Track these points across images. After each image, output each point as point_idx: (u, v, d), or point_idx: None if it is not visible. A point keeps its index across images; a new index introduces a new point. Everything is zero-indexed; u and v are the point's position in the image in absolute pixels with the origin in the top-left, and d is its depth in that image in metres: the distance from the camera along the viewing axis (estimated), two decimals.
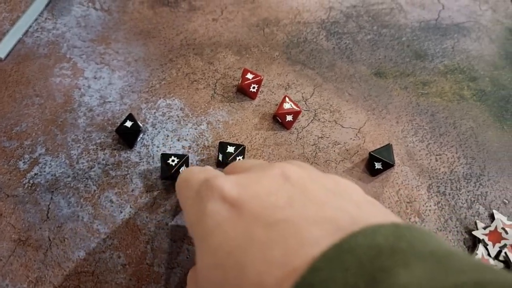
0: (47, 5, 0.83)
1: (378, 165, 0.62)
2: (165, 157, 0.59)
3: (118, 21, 0.81)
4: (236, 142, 0.65)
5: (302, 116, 0.69)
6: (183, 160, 0.59)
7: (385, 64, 0.77)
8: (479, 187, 0.63)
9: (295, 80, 0.73)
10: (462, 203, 0.61)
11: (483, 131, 0.69)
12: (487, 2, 0.87)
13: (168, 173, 0.59)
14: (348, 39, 0.80)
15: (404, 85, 0.73)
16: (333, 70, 0.75)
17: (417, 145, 0.67)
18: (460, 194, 0.62)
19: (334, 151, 0.65)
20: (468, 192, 0.62)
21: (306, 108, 0.70)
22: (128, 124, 0.63)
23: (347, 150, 0.66)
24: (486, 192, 0.62)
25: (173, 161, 0.59)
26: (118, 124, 0.66)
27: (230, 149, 0.61)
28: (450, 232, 0.59)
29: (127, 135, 0.63)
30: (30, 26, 0.80)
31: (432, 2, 0.88)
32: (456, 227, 0.59)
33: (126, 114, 0.68)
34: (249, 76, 0.68)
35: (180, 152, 0.64)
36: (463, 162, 0.65)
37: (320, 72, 0.74)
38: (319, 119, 0.69)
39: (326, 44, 0.79)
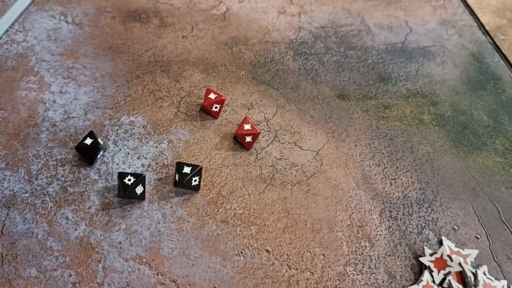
0: (18, 17, 0.84)
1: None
2: (122, 176, 0.60)
3: (88, 36, 0.82)
4: (195, 162, 0.66)
5: (262, 137, 0.70)
6: (140, 179, 0.60)
7: (349, 86, 0.78)
8: (430, 212, 0.64)
9: (258, 100, 0.74)
10: (412, 228, 0.63)
11: (439, 156, 0.70)
12: (454, 26, 0.89)
13: (124, 192, 0.60)
14: (315, 60, 0.81)
15: (365, 108, 0.75)
16: (297, 91, 0.76)
17: (373, 169, 0.68)
18: (412, 220, 0.63)
19: (291, 173, 0.67)
20: (420, 217, 0.64)
21: (267, 128, 0.71)
22: (88, 141, 0.64)
23: (304, 173, 0.67)
24: (437, 218, 0.64)
25: (129, 180, 0.60)
26: (81, 139, 0.67)
27: (187, 169, 0.62)
28: (398, 257, 0.60)
29: (87, 152, 0.64)
30: (0, 38, 0.81)
31: (400, 25, 0.89)
32: (405, 253, 0.61)
33: (89, 130, 0.68)
34: (212, 96, 0.69)
35: (139, 171, 0.65)
36: (417, 187, 0.67)
37: (284, 93, 0.76)
38: (279, 140, 0.70)
39: (292, 64, 0.80)
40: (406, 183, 0.67)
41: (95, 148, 0.64)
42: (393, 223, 0.63)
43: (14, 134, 0.68)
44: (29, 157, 0.66)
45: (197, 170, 0.62)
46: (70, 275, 0.56)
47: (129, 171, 0.65)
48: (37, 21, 0.84)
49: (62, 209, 0.61)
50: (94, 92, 0.74)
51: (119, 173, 0.61)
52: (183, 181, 0.61)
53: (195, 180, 0.62)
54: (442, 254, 0.59)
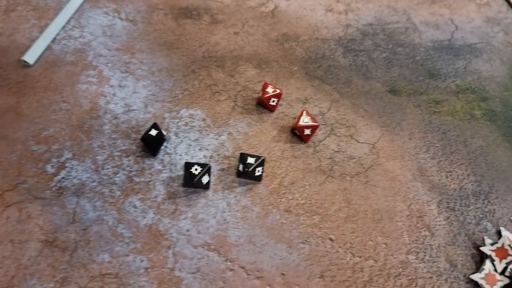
0: (74, 14, 0.87)
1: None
2: (188, 165, 0.62)
3: (142, 32, 0.84)
4: (256, 154, 0.67)
5: (319, 130, 0.71)
6: (206, 169, 0.62)
7: (399, 82, 0.79)
8: (487, 204, 0.65)
9: (313, 95, 0.76)
10: (470, 219, 0.64)
11: (493, 150, 0.71)
12: (499, 24, 0.90)
13: (191, 181, 0.62)
14: (364, 56, 0.83)
15: (417, 103, 0.76)
16: (350, 86, 0.78)
17: (428, 162, 0.69)
18: (469, 211, 0.64)
19: (350, 165, 0.68)
20: (477, 209, 0.65)
21: (323, 122, 0.72)
22: (153, 132, 0.66)
23: (362, 165, 0.68)
24: (494, 209, 0.65)
25: (196, 169, 0.62)
26: (142, 132, 0.69)
27: (251, 160, 0.63)
28: (458, 247, 0.61)
29: (152, 143, 0.66)
30: (58, 34, 0.83)
31: (446, 23, 0.90)
32: (465, 242, 0.62)
33: (150, 123, 0.70)
34: (269, 90, 0.71)
35: (202, 161, 0.67)
36: (473, 179, 0.68)
37: (337, 88, 0.77)
38: (335, 133, 0.71)
39: (343, 60, 0.82)
40: (461, 175, 0.68)
41: (160, 139, 0.66)
42: (451, 214, 0.64)
43: (78, 126, 0.70)
44: (94, 148, 0.68)
45: (260, 161, 0.64)
46: (142, 261, 0.58)
47: (193, 162, 0.67)
48: (91, 18, 0.86)
49: (130, 197, 0.63)
50: (152, 86, 0.76)
51: (186, 163, 0.63)
52: (248, 171, 0.63)
53: (258, 171, 0.64)
54: (503, 244, 0.60)
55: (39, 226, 0.60)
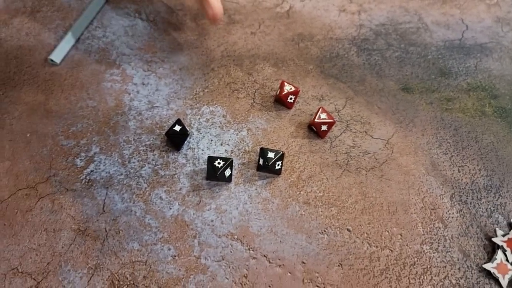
0: (97, 15, 0.90)
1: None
2: (211, 159, 0.65)
3: (163, 31, 0.87)
4: (275, 149, 0.70)
5: (335, 126, 0.74)
6: (228, 163, 0.65)
7: (412, 80, 0.82)
8: (498, 197, 0.68)
9: (328, 93, 0.79)
10: (482, 212, 0.66)
11: (503, 146, 0.74)
12: (508, 24, 0.93)
13: (214, 174, 0.65)
14: (378, 56, 0.86)
15: (429, 101, 0.79)
16: (364, 84, 0.80)
17: (441, 157, 0.72)
18: (481, 204, 0.67)
19: (365, 159, 0.71)
20: (488, 202, 0.67)
21: (338, 119, 0.75)
22: (177, 128, 0.69)
23: (377, 159, 0.71)
24: (505, 202, 0.67)
25: (219, 163, 0.65)
26: (166, 128, 0.72)
27: (271, 154, 0.66)
28: (471, 238, 0.64)
29: (176, 138, 0.69)
30: (82, 34, 0.86)
31: (457, 22, 0.93)
32: (477, 234, 0.64)
33: (173, 119, 0.74)
34: (287, 87, 0.74)
35: (223, 156, 0.70)
36: (484, 174, 0.70)
37: (351, 86, 0.80)
38: (350, 129, 0.74)
39: (356, 59, 0.85)
40: (473, 170, 0.71)
41: (184, 134, 0.69)
42: (463, 207, 0.67)
43: (105, 122, 0.73)
44: (120, 143, 0.71)
45: (279, 155, 0.67)
46: (169, 249, 0.61)
47: (216, 156, 0.70)
48: (113, 18, 0.89)
49: (156, 190, 0.66)
50: (174, 84, 0.79)
51: (209, 157, 0.66)
52: (268, 164, 0.66)
53: (278, 165, 0.67)
54: None
55: (71, 216, 0.63)
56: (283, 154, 0.67)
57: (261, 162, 0.67)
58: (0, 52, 0.82)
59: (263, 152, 0.67)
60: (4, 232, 0.62)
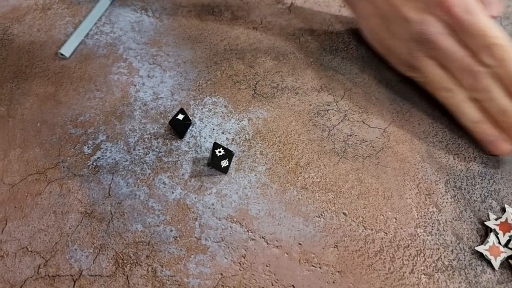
0: (105, 11, 0.93)
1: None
2: (216, 145, 0.67)
3: (168, 27, 0.90)
4: (273, 137, 0.73)
5: (333, 116, 0.76)
6: (228, 154, 0.67)
7: None
8: (492, 184, 0.70)
9: (327, 84, 0.81)
10: (476, 197, 0.68)
11: None
12: (508, 18, 0.94)
13: (211, 161, 0.67)
14: None
15: (426, 92, 0.81)
16: (362, 76, 0.83)
17: (437, 145, 0.74)
18: (475, 190, 0.69)
19: (362, 147, 0.73)
20: (482, 188, 0.69)
21: (337, 109, 0.78)
22: (180, 117, 0.72)
23: (373, 147, 0.73)
24: (499, 188, 0.69)
25: (219, 152, 0.67)
26: (170, 117, 0.75)
27: (219, 151, 0.67)
28: (464, 222, 0.66)
29: (179, 127, 0.72)
30: (91, 30, 0.90)
31: None
32: (470, 218, 0.66)
33: (177, 109, 0.76)
34: None
35: (224, 144, 0.72)
36: (479, 161, 0.72)
37: (350, 78, 0.82)
38: (348, 119, 0.76)
39: (356, 52, 0.87)
40: (468, 158, 0.73)
41: (186, 123, 0.72)
42: (457, 192, 0.69)
43: (111, 112, 0.76)
44: (126, 131, 0.74)
45: (227, 154, 0.67)
46: (171, 230, 0.64)
47: (222, 144, 0.71)
48: (121, 15, 0.93)
49: (159, 175, 0.69)
50: (178, 76, 0.82)
51: (215, 143, 0.68)
52: (212, 160, 0.67)
53: (225, 162, 0.67)
54: (506, 219, 0.65)
55: (78, 200, 0.66)
56: (232, 154, 0.68)
57: (210, 156, 0.69)
58: (13, 47, 0.86)
59: (214, 147, 0.68)
60: (15, 214, 0.65)
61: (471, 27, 0.65)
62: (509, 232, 0.64)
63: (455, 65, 0.69)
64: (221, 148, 0.68)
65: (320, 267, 0.61)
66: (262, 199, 0.67)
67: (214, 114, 0.76)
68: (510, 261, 0.62)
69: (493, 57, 0.65)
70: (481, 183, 0.70)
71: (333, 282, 0.60)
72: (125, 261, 0.61)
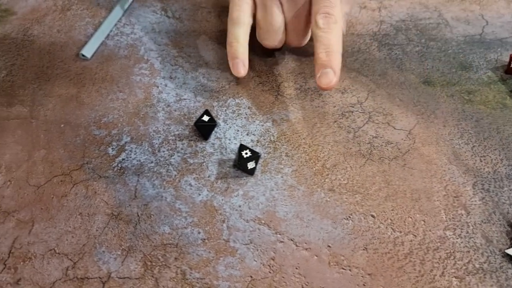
0: (125, 12, 0.93)
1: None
2: (242, 147, 0.67)
3: (188, 28, 0.90)
4: (298, 139, 0.72)
5: (358, 117, 0.76)
6: (254, 156, 0.67)
7: (432, 73, 0.84)
8: None
9: (350, 86, 0.81)
10: (505, 199, 0.67)
11: None
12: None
13: (238, 162, 0.67)
14: (398, 50, 0.87)
15: (450, 93, 0.80)
16: (385, 78, 0.82)
17: (463, 147, 0.73)
18: (503, 192, 0.68)
19: (388, 149, 0.73)
20: (510, 190, 0.69)
21: (361, 110, 0.77)
22: (205, 118, 0.71)
23: (399, 149, 0.73)
24: None
25: (246, 153, 0.67)
26: (193, 119, 0.75)
27: (245, 153, 0.66)
28: (493, 224, 0.65)
29: (204, 128, 0.71)
30: (111, 31, 0.90)
31: (477, 18, 0.94)
32: (499, 221, 0.65)
33: (200, 110, 0.76)
34: None
35: (249, 145, 0.72)
36: (506, 163, 0.71)
37: (373, 79, 0.82)
38: (373, 120, 0.76)
39: (378, 54, 0.86)
40: (495, 160, 0.72)
41: (212, 124, 0.72)
42: (486, 195, 0.68)
43: (134, 113, 0.76)
44: (150, 133, 0.74)
45: (254, 156, 0.67)
46: (199, 232, 0.63)
47: (247, 145, 0.71)
48: (141, 16, 0.92)
49: (185, 177, 0.69)
50: (200, 78, 0.81)
51: (241, 144, 0.68)
52: (239, 162, 0.67)
53: (251, 164, 0.67)
54: None
55: (104, 201, 0.66)
56: (258, 156, 0.68)
57: (236, 158, 0.68)
58: (34, 48, 0.86)
59: (240, 148, 0.68)
60: (41, 215, 0.64)
61: None
62: None
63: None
64: (248, 150, 0.67)
65: (350, 270, 0.60)
66: (289, 201, 0.66)
67: (238, 115, 0.76)
68: None
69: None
70: (509, 186, 0.69)
71: (364, 285, 0.59)
72: (153, 264, 0.60)
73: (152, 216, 0.64)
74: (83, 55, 0.83)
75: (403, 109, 0.78)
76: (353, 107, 0.78)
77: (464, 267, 0.61)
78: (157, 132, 0.73)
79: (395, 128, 0.75)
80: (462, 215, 0.66)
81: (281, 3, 0.76)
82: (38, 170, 0.69)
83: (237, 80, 0.81)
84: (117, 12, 0.92)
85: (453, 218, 0.66)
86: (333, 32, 0.72)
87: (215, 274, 0.60)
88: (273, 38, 0.79)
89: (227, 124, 0.74)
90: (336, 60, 0.71)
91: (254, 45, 0.86)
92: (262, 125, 0.75)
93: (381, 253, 0.62)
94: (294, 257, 0.62)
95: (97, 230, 0.63)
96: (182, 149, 0.71)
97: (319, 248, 0.62)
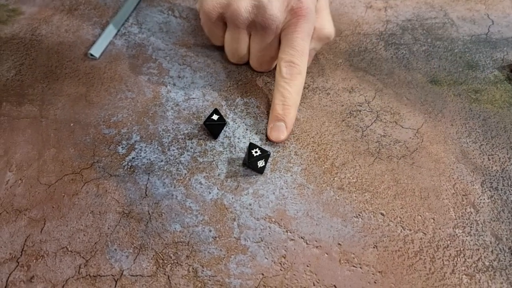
0: (132, 12, 0.93)
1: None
2: (252, 146, 0.67)
3: (195, 28, 0.90)
4: (307, 138, 0.73)
5: (366, 116, 0.76)
6: (264, 155, 0.67)
7: (439, 73, 0.84)
8: None
9: (358, 85, 0.81)
10: None
11: None
12: None
13: (248, 161, 0.67)
14: (405, 50, 0.88)
15: (457, 92, 0.81)
16: (392, 77, 0.83)
17: (470, 146, 0.74)
18: None
19: (396, 148, 0.73)
20: None
21: (369, 109, 0.77)
22: (215, 117, 0.72)
23: (407, 148, 0.73)
24: None
25: (256, 152, 0.67)
26: (202, 118, 0.75)
27: (255, 151, 0.67)
28: (503, 222, 0.65)
29: (214, 127, 0.72)
30: (119, 30, 0.90)
31: (482, 17, 0.95)
32: (508, 219, 0.66)
33: (209, 109, 0.76)
34: None
35: (258, 144, 0.72)
36: None
37: (380, 78, 0.82)
38: (381, 119, 0.76)
39: (384, 53, 0.87)
40: (502, 158, 0.73)
41: (221, 123, 0.72)
42: (494, 193, 0.69)
43: (144, 112, 0.77)
44: (159, 132, 0.74)
45: (264, 155, 0.67)
46: (210, 231, 0.64)
47: (257, 144, 0.71)
48: (148, 16, 0.93)
49: (195, 175, 0.69)
50: (209, 77, 0.82)
51: (251, 143, 0.68)
52: (248, 161, 0.67)
53: (261, 163, 0.67)
54: None
55: (115, 200, 0.66)
56: (268, 154, 0.68)
57: (246, 157, 0.68)
58: (42, 48, 0.86)
59: (250, 147, 0.68)
60: (53, 214, 0.65)
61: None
62: None
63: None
64: (257, 149, 0.67)
65: (361, 267, 0.61)
66: (299, 199, 0.67)
67: (246, 114, 0.76)
68: None
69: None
70: None
71: (375, 283, 0.60)
72: (165, 261, 0.61)
73: (163, 214, 0.65)
74: (91, 55, 0.84)
75: (411, 108, 0.78)
76: (360, 106, 0.78)
77: (474, 265, 0.62)
78: (166, 131, 0.74)
79: (403, 127, 0.76)
80: (471, 213, 0.66)
81: (249, 35, 0.77)
82: (49, 168, 0.69)
83: (245, 80, 0.81)
84: (125, 11, 0.92)
85: (462, 216, 0.66)
86: (295, 83, 0.73)
87: (227, 272, 0.60)
88: (236, 60, 0.83)
89: (236, 123, 0.75)
90: (290, 114, 0.73)
91: None
92: None
93: (391, 250, 0.63)
94: (305, 255, 0.62)
95: (108, 228, 0.63)
96: (191, 147, 0.72)
97: (329, 246, 0.63)
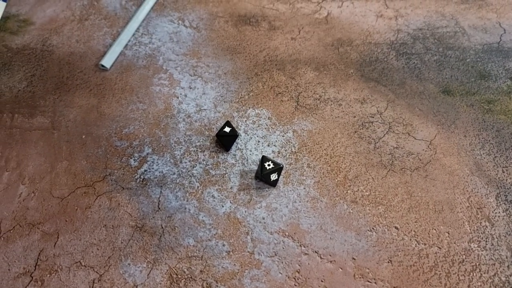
0: (142, 22, 0.93)
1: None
2: (264, 159, 0.67)
3: (206, 38, 0.90)
4: (319, 150, 0.72)
5: (378, 128, 0.76)
6: (277, 168, 0.67)
7: (451, 83, 0.83)
8: None
9: (369, 96, 0.81)
10: None
11: None
12: None
13: (261, 174, 0.67)
14: (416, 59, 0.87)
15: (470, 103, 0.80)
16: (404, 87, 0.82)
17: (484, 158, 0.73)
18: None
19: (409, 160, 0.72)
20: None
21: (381, 121, 0.77)
22: (227, 129, 0.72)
23: (420, 160, 0.73)
24: None
25: (269, 165, 0.67)
26: (214, 129, 0.75)
27: (268, 165, 0.66)
28: None
29: (226, 140, 0.72)
30: (129, 41, 0.90)
31: (494, 26, 0.94)
32: None
33: (221, 121, 0.76)
34: None
35: (270, 156, 0.72)
36: None
37: (392, 89, 0.82)
38: (393, 131, 0.76)
39: (396, 63, 0.86)
40: None
41: (234, 135, 0.72)
42: (509, 206, 0.68)
43: (155, 124, 0.76)
44: (171, 144, 0.74)
45: (277, 168, 0.67)
46: (223, 245, 0.63)
47: (270, 157, 0.71)
48: (158, 26, 0.93)
49: (208, 188, 0.69)
50: (220, 88, 0.82)
51: (263, 156, 0.68)
52: (261, 174, 0.66)
53: (274, 176, 0.67)
54: None
55: (128, 213, 0.66)
56: (281, 167, 0.67)
57: (259, 170, 0.68)
58: (53, 58, 0.86)
59: (262, 160, 0.68)
60: (66, 227, 0.65)
61: None
62: None
63: None
64: (270, 162, 0.67)
65: (375, 283, 0.60)
66: (312, 213, 0.66)
67: (258, 126, 0.76)
68: None
69: None
70: None
71: None
72: (179, 276, 0.60)
73: (176, 228, 0.65)
74: (102, 66, 0.84)
75: (423, 119, 0.78)
76: (373, 117, 0.78)
77: (490, 280, 0.61)
78: (178, 143, 0.73)
79: (415, 139, 0.75)
80: (486, 227, 0.66)
81: None
82: (61, 181, 0.69)
83: (257, 90, 0.81)
84: (135, 22, 0.92)
85: (477, 230, 0.65)
86: None
87: (241, 287, 0.60)
88: None
89: (248, 135, 0.75)
90: None
91: (271, 55, 0.87)
92: (283, 136, 0.75)
93: (406, 265, 0.62)
94: (319, 269, 0.61)
95: (122, 243, 0.63)
96: (204, 160, 0.72)
97: (343, 261, 0.62)
